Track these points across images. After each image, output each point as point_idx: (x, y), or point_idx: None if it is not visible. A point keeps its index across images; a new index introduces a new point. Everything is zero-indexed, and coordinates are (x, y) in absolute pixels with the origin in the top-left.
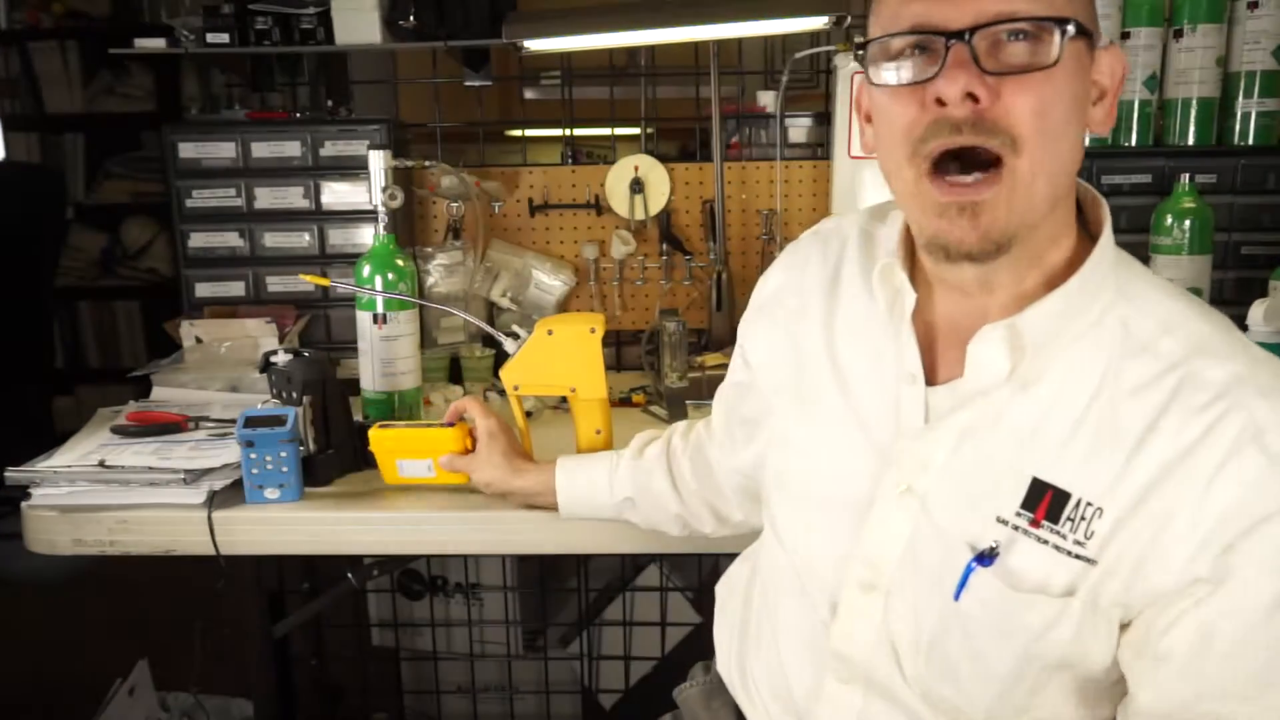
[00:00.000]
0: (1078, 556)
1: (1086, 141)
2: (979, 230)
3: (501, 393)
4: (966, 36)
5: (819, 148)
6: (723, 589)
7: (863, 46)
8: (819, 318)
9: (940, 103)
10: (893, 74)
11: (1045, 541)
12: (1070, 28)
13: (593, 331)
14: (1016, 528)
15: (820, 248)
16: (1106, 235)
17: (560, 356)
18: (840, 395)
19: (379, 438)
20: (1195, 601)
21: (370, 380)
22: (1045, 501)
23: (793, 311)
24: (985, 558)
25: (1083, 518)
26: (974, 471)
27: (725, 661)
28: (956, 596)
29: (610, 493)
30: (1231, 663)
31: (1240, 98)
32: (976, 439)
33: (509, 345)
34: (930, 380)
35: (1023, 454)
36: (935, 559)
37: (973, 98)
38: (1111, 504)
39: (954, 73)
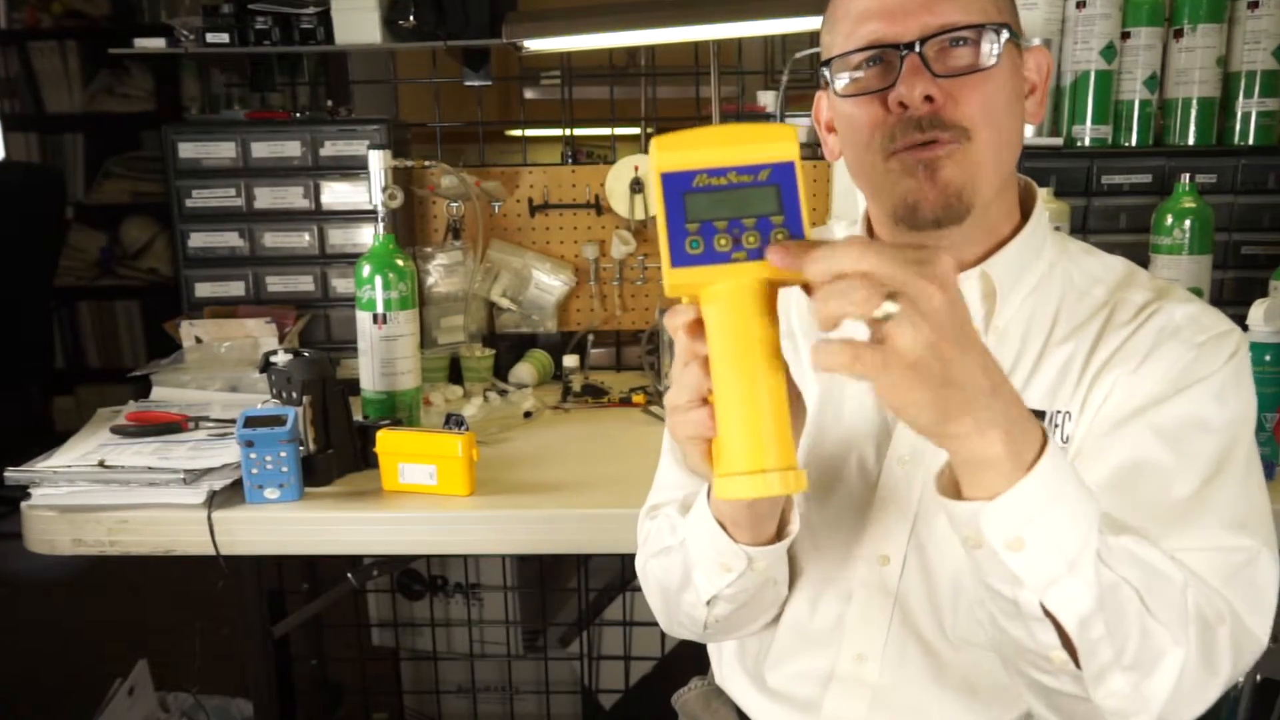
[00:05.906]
0: None
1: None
2: (938, 186)
3: (503, 393)
4: (917, 47)
5: (819, 147)
6: None
7: (825, 65)
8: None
9: (902, 105)
10: (856, 85)
11: None
12: (1004, 32)
13: None
14: None
15: None
16: (1039, 204)
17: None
18: (821, 388)
19: (386, 438)
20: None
21: (370, 380)
22: None
23: None
24: None
25: (1057, 425)
26: None
27: (719, 670)
28: None
29: None
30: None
31: (1240, 98)
32: None
33: None
34: None
35: None
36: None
37: (929, 99)
38: (1075, 407)
39: (911, 79)
